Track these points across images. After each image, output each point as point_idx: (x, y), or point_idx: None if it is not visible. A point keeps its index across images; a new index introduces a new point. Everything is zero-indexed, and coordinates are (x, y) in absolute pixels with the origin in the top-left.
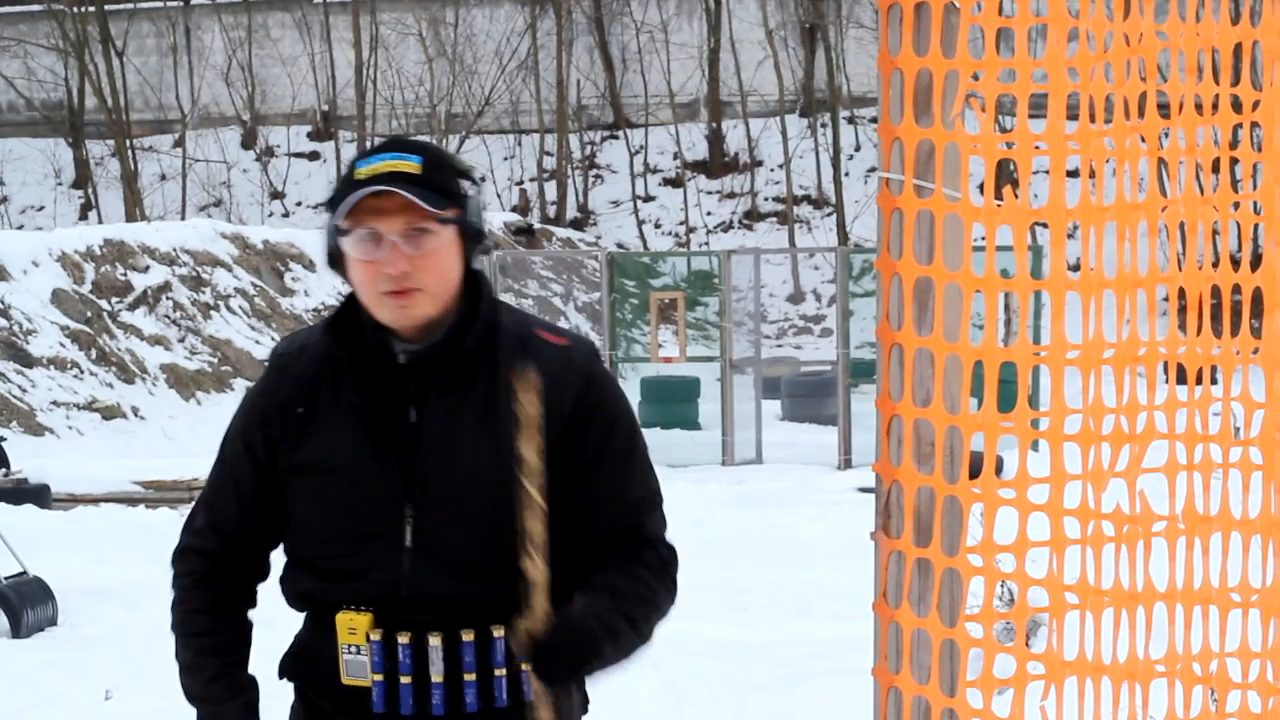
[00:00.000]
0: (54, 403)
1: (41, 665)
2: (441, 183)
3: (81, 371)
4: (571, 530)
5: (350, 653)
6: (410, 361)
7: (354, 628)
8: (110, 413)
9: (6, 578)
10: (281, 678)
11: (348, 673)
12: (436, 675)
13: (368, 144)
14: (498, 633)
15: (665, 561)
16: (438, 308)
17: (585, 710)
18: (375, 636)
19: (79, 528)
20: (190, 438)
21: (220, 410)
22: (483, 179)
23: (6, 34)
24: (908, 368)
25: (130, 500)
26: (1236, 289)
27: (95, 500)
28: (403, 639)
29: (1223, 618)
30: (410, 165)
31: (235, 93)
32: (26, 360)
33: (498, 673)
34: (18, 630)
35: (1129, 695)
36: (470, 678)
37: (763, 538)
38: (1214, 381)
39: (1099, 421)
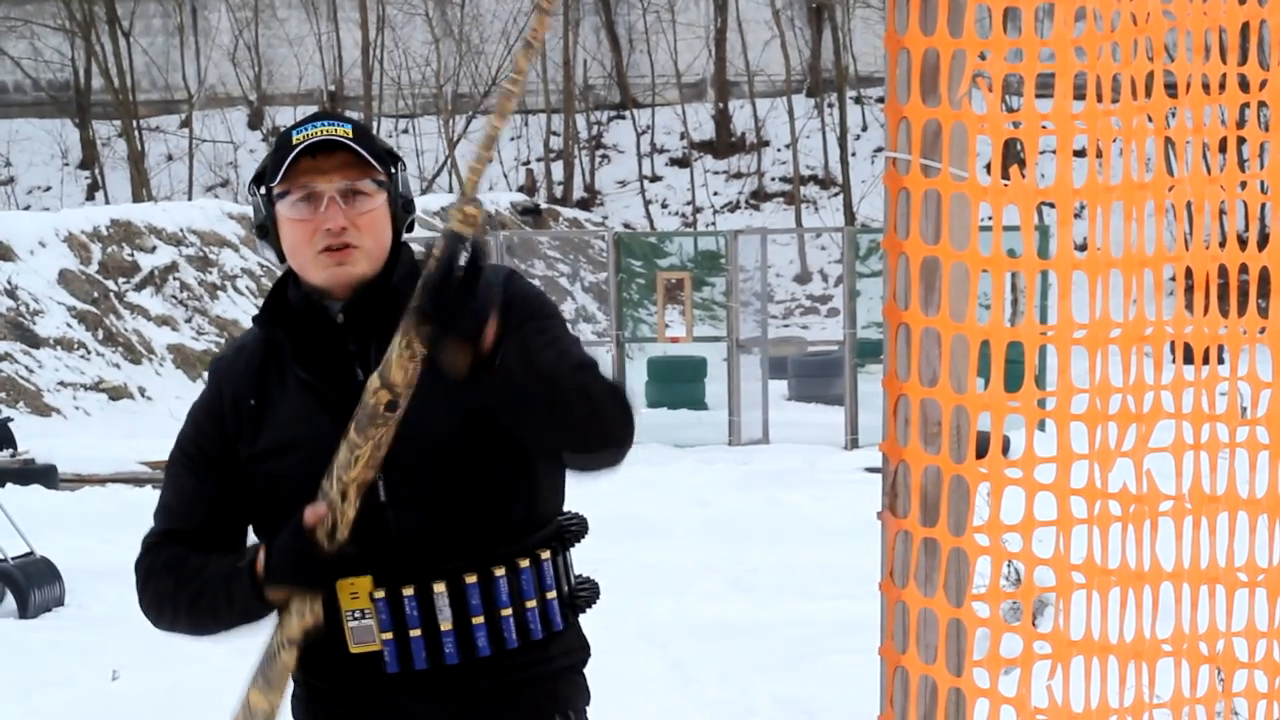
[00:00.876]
0: (61, 383)
1: (49, 645)
2: (373, 150)
3: (88, 352)
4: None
5: (355, 619)
6: (347, 316)
7: (355, 592)
8: (117, 393)
9: (14, 558)
10: None
11: (354, 640)
12: (445, 623)
13: (373, 125)
14: (499, 572)
15: (615, 385)
16: (372, 268)
17: (587, 697)
18: (379, 595)
19: (86, 508)
20: None
21: None
22: (402, 163)
23: (13, 14)
24: (914, 347)
25: (137, 480)
26: (1244, 268)
27: (102, 481)
28: (407, 591)
29: (1229, 597)
30: (342, 130)
31: (242, 73)
32: (33, 341)
33: (504, 613)
34: (25, 610)
35: (1135, 675)
36: (479, 620)
37: (769, 517)
38: (1221, 361)
39: (1106, 401)
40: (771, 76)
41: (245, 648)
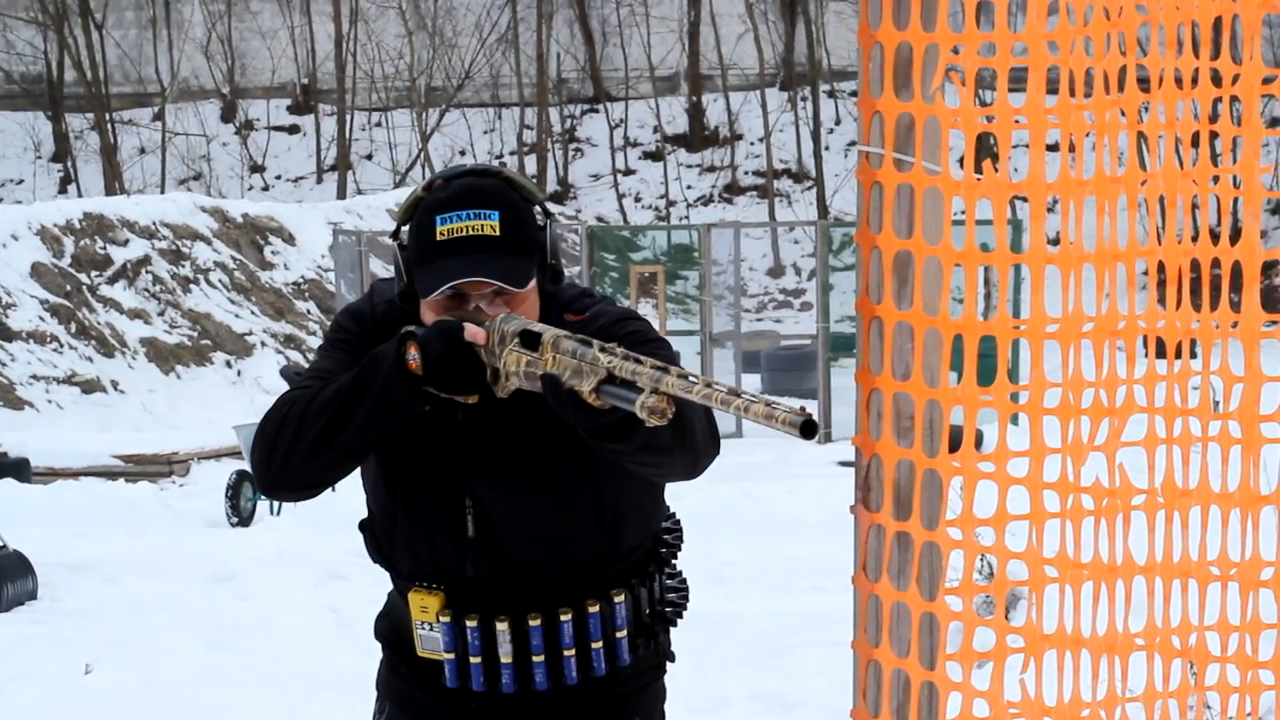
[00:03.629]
0: (33, 376)
1: (21, 639)
2: (522, 239)
3: (61, 345)
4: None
5: (424, 629)
6: (465, 411)
7: (425, 606)
8: (90, 386)
9: None
10: (378, 638)
11: (423, 646)
12: (505, 656)
13: (346, 119)
14: (565, 616)
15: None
16: None
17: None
18: (445, 619)
19: (59, 501)
20: (170, 411)
21: (200, 384)
22: (553, 219)
23: None
24: (887, 341)
25: (110, 474)
26: (1216, 263)
27: (75, 474)
28: (470, 622)
29: (1202, 591)
30: (490, 226)
31: (215, 66)
32: (5, 334)
33: (567, 654)
34: None
35: (1108, 668)
36: (539, 659)
37: (743, 511)
38: (1193, 355)
39: (1078, 395)
40: (745, 70)
41: (221, 641)
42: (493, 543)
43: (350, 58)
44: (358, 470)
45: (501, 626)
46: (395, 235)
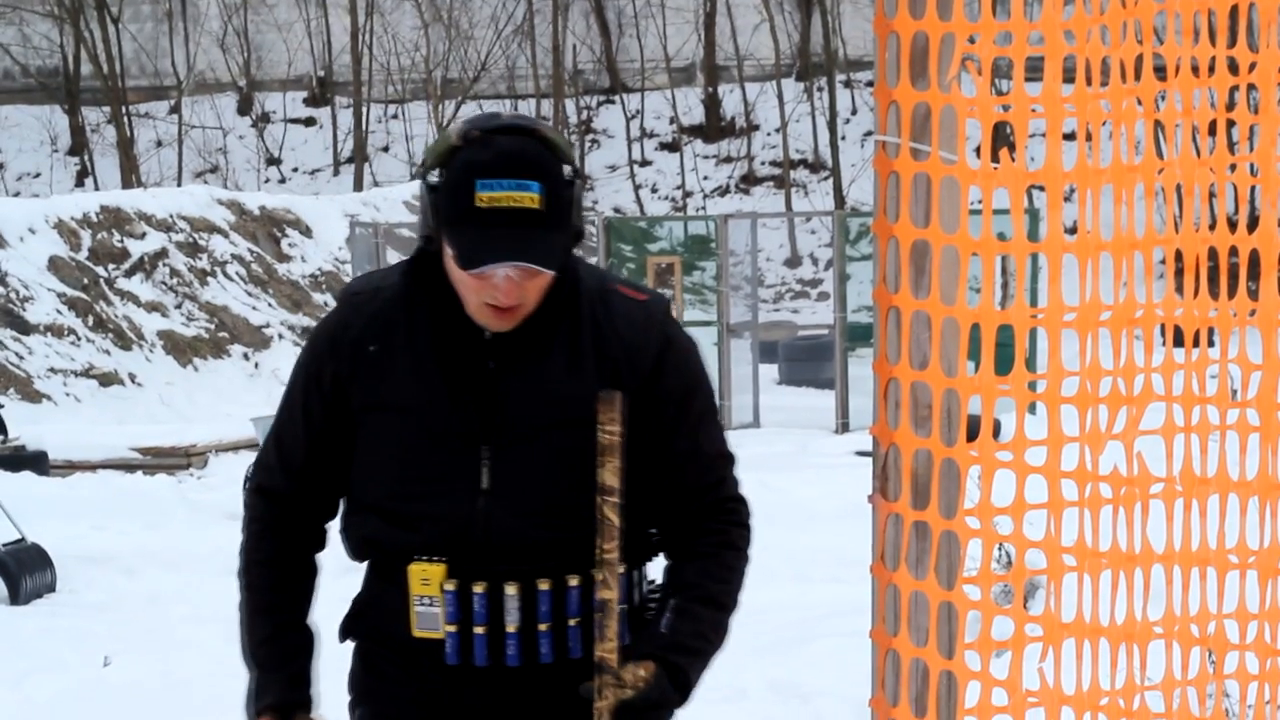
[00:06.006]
0: (51, 370)
1: (40, 632)
2: (561, 214)
3: (78, 338)
4: (652, 483)
5: (423, 604)
6: (495, 336)
7: (427, 578)
8: (107, 379)
9: (5, 544)
10: (343, 640)
11: (419, 625)
12: (511, 625)
13: (363, 110)
14: (573, 582)
15: (745, 525)
16: (530, 311)
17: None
18: (450, 586)
19: (77, 494)
20: (187, 404)
21: (217, 376)
22: (581, 180)
23: (2, 1)
24: (905, 331)
25: (128, 466)
26: (1233, 251)
27: (93, 467)
28: (478, 588)
29: (1220, 579)
30: (531, 199)
31: (231, 59)
32: (23, 327)
33: (571, 622)
34: (16, 597)
35: (1127, 657)
36: (545, 628)
37: (760, 501)
38: (1211, 343)
39: (1096, 384)
40: (761, 61)
41: (238, 634)
42: (505, 494)
43: (366, 50)
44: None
45: (511, 591)
46: (423, 175)
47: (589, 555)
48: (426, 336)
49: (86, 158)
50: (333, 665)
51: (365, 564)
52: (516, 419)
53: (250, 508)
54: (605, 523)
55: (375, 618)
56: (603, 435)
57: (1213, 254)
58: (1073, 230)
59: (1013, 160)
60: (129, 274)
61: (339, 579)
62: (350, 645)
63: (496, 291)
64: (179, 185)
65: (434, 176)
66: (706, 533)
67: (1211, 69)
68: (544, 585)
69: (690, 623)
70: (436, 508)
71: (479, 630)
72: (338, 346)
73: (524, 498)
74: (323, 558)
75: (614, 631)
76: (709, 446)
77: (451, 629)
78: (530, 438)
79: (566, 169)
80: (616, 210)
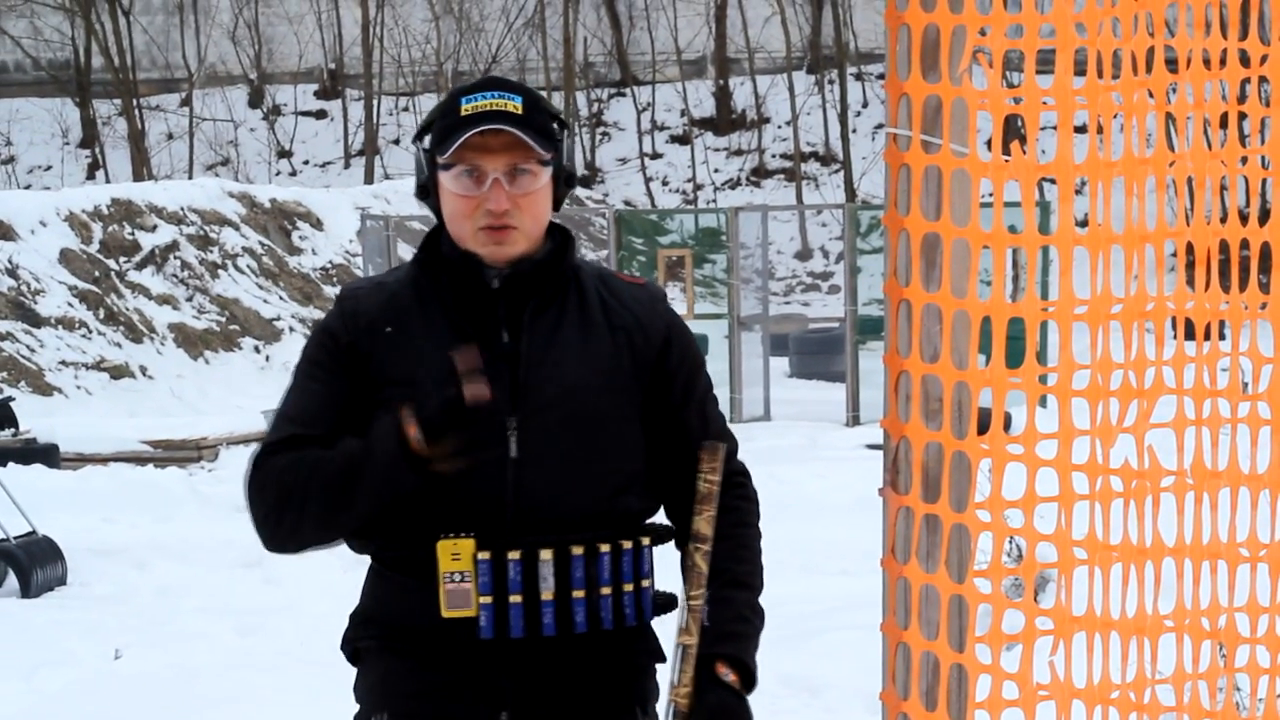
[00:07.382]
0: (62, 362)
1: (51, 624)
2: (541, 124)
3: (89, 331)
4: (663, 448)
5: (453, 581)
6: (504, 285)
7: (458, 553)
8: (118, 372)
9: (16, 537)
10: (350, 653)
11: (449, 604)
12: (547, 593)
13: (373, 103)
14: (604, 548)
15: (754, 499)
16: (529, 247)
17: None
18: (483, 557)
19: (87, 487)
20: (198, 397)
21: (228, 369)
22: (569, 129)
23: None
24: (915, 324)
25: (139, 459)
26: (1245, 244)
27: (104, 460)
28: (513, 555)
29: (1231, 573)
30: (513, 105)
31: (242, 51)
32: (34, 320)
33: (604, 591)
34: (27, 589)
35: (1137, 650)
36: (579, 595)
37: (771, 494)
38: (1222, 336)
39: (1107, 377)
40: (772, 53)
41: (250, 626)
42: (534, 462)
43: (377, 42)
44: None
45: (546, 556)
46: (419, 139)
47: (616, 521)
48: (441, 315)
49: (98, 150)
50: (333, 686)
51: (365, 564)
52: (539, 387)
53: (262, 460)
54: (694, 570)
55: (389, 615)
56: (702, 484)
57: (1224, 247)
58: (1084, 223)
59: (1024, 153)
60: (140, 267)
61: (346, 574)
62: (351, 670)
63: (488, 203)
64: (190, 178)
65: (426, 142)
66: (721, 509)
67: (1223, 61)
68: (577, 550)
69: (729, 609)
70: (466, 480)
71: (515, 599)
72: (353, 325)
73: (553, 465)
74: (336, 549)
75: (689, 677)
76: (716, 421)
77: (486, 600)
78: (555, 405)
79: (557, 127)
80: (627, 203)
